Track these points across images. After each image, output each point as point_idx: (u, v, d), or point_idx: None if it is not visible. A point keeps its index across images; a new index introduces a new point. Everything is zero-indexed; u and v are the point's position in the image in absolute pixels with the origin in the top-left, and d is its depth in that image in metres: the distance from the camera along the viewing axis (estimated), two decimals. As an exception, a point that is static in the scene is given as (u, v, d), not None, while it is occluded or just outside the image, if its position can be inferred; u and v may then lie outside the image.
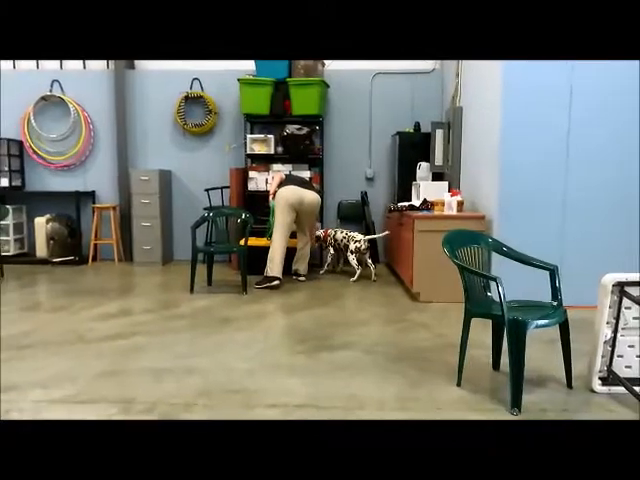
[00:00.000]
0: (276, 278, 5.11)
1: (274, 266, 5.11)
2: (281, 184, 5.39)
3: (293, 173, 6.05)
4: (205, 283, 5.20)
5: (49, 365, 3.09)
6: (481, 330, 3.15)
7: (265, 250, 5.27)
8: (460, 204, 4.68)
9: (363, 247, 5.52)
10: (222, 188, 6.52)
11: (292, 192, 5.23)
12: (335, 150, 6.68)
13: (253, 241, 5.53)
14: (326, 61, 6.42)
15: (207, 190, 6.50)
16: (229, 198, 6.39)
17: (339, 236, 5.71)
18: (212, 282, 5.24)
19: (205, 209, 6.19)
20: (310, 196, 5.35)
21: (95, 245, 6.65)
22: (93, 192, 6.79)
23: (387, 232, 5.93)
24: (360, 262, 5.54)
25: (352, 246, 5.52)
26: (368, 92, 6.65)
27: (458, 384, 2.72)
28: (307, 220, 5.47)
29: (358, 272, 5.48)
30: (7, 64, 6.76)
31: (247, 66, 6.30)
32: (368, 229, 6.31)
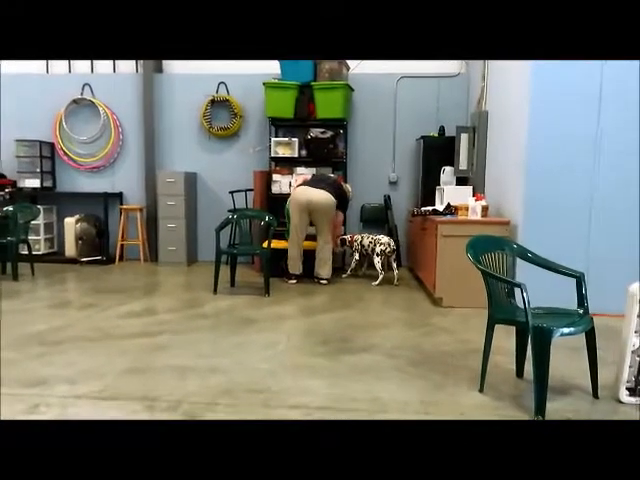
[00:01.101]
0: (291, 276, 5.41)
1: (289, 265, 5.46)
2: (299, 185, 5.46)
3: (321, 172, 6.12)
4: (228, 284, 5.25)
5: (77, 361, 3.17)
6: (505, 336, 3.11)
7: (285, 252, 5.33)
8: (485, 209, 4.64)
9: (388, 250, 5.51)
10: (246, 191, 6.58)
11: (301, 192, 5.33)
12: (359, 153, 6.69)
13: (276, 243, 5.57)
14: (351, 64, 6.44)
15: (231, 192, 6.57)
16: (253, 200, 6.45)
17: (366, 242, 5.68)
18: (235, 283, 5.29)
19: (229, 211, 6.26)
20: (318, 196, 5.30)
21: (122, 245, 6.79)
22: (121, 193, 6.94)
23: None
24: (384, 265, 5.52)
25: (377, 249, 5.51)
26: (393, 95, 6.64)
27: (481, 390, 2.70)
28: (320, 221, 5.41)
29: (381, 276, 5.46)
30: (40, 68, 6.97)
31: (272, 70, 6.35)
32: (391, 233, 6.29)
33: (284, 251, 5.57)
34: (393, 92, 6.64)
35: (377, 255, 5.50)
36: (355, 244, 5.78)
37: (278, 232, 5.54)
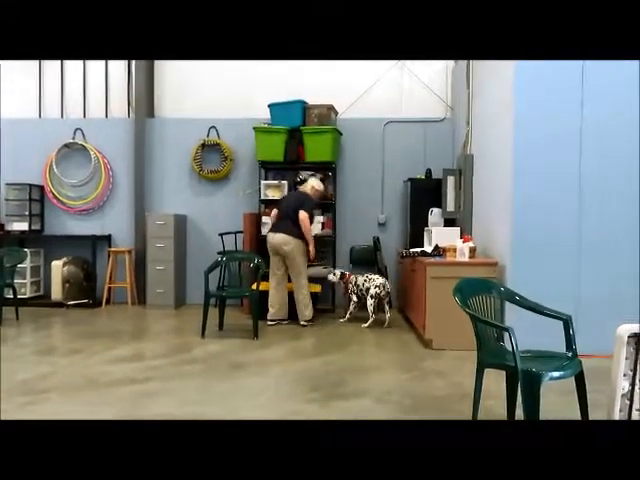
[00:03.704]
0: (271, 320, 5.46)
1: (269, 311, 5.50)
2: (271, 226, 5.72)
3: (289, 194, 6.14)
4: (217, 327, 5.20)
5: (62, 411, 3.09)
6: (496, 379, 3.10)
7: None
8: (472, 250, 4.70)
9: (383, 293, 5.45)
10: (236, 233, 6.61)
11: (269, 237, 5.52)
12: (348, 195, 6.79)
13: (265, 285, 5.56)
14: (339, 109, 6.62)
15: (221, 235, 6.59)
16: (242, 242, 6.47)
17: (360, 281, 5.57)
18: (223, 326, 5.25)
19: (219, 253, 6.26)
20: (280, 240, 5.36)
21: (109, 288, 6.73)
22: (109, 236, 6.92)
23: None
24: (375, 307, 5.46)
25: (372, 290, 5.41)
26: (380, 139, 6.80)
27: (473, 436, 2.66)
28: (289, 265, 5.43)
29: (372, 318, 5.42)
30: (33, 112, 7.07)
31: (262, 115, 6.50)
32: (381, 274, 6.31)
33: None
34: (380, 136, 6.80)
35: (371, 297, 5.41)
36: (351, 285, 5.65)
37: (267, 274, 5.54)
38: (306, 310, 5.45)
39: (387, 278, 6.20)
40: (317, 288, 5.91)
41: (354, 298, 5.63)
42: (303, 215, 5.38)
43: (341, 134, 6.63)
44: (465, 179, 5.63)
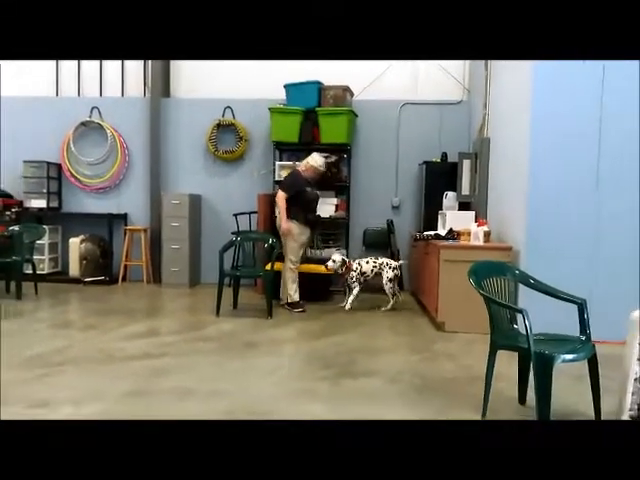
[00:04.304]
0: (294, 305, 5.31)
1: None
2: None
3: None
4: (231, 306, 5.26)
5: (79, 383, 3.17)
6: (507, 362, 3.11)
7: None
8: (487, 234, 4.67)
9: (398, 274, 5.38)
10: (250, 213, 6.64)
11: None
12: (362, 178, 6.76)
13: (279, 266, 5.58)
14: (355, 91, 6.56)
15: (235, 215, 6.62)
16: (257, 223, 6.50)
17: (367, 268, 5.31)
18: (238, 305, 5.30)
19: (233, 233, 6.30)
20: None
21: (125, 266, 6.82)
22: (125, 214, 7.00)
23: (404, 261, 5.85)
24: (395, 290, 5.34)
25: (390, 274, 5.27)
26: (396, 122, 6.75)
27: (483, 416, 2.68)
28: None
29: (392, 301, 5.34)
30: (50, 90, 7.11)
31: (278, 95, 6.47)
32: (393, 257, 6.32)
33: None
34: (396, 118, 6.74)
35: (390, 281, 5.27)
36: (354, 274, 5.28)
37: (282, 255, 5.55)
38: (289, 291, 5.24)
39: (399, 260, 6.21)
40: (320, 268, 5.54)
41: (356, 289, 5.29)
42: (278, 195, 5.30)
43: (356, 116, 6.58)
44: (481, 163, 5.57)
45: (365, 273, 5.28)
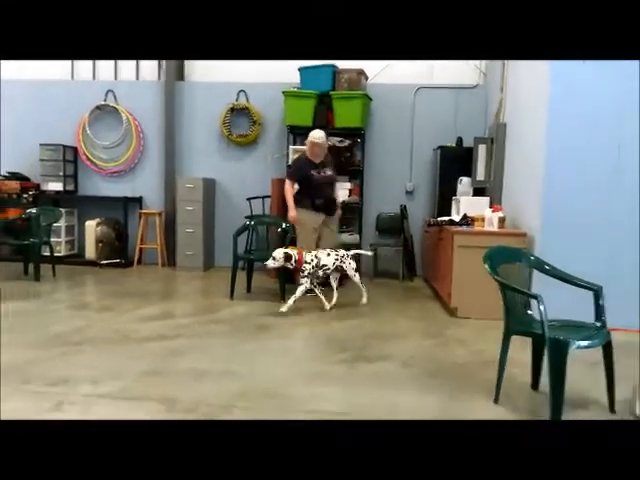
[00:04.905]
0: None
1: None
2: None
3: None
4: (244, 290, 5.30)
5: (97, 362, 3.24)
6: (520, 348, 3.11)
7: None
8: (501, 220, 4.64)
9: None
10: (263, 197, 6.65)
11: None
12: (376, 162, 6.73)
13: (292, 250, 5.59)
14: (370, 74, 6.49)
15: (249, 199, 6.64)
16: (270, 207, 6.51)
17: (327, 260, 4.64)
18: (251, 289, 5.34)
19: (247, 217, 6.32)
20: None
21: (140, 249, 6.89)
22: (140, 198, 7.05)
23: (370, 252, 5.60)
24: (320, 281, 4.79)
25: (354, 264, 4.80)
26: (410, 106, 6.68)
27: (496, 401, 2.70)
28: None
29: (364, 291, 4.90)
30: (65, 74, 7.13)
31: (292, 79, 6.43)
32: (406, 242, 6.31)
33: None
34: (411, 102, 6.68)
35: (356, 271, 4.82)
36: (307, 266, 4.52)
37: (295, 239, 5.57)
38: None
39: (412, 246, 6.20)
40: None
41: (306, 284, 4.55)
42: (285, 182, 5.26)
43: (371, 100, 6.53)
44: (497, 148, 5.51)
45: (325, 266, 4.64)
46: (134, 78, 7.10)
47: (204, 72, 7.00)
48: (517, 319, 2.69)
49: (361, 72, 6.31)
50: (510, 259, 2.86)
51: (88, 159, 7.09)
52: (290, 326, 4.24)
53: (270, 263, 4.47)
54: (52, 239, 6.20)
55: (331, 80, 6.31)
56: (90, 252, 6.75)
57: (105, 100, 7.02)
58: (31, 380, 2.88)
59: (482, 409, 2.65)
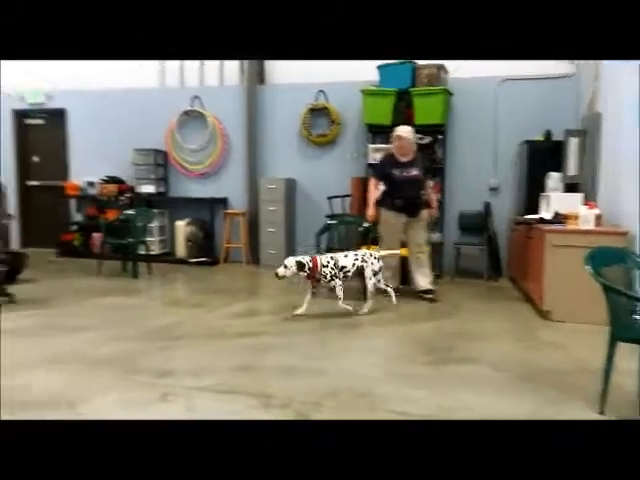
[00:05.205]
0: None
1: None
2: None
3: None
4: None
5: (194, 356, 3.43)
6: (625, 356, 2.93)
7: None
8: (598, 218, 4.38)
9: (382, 266, 4.61)
10: (344, 196, 6.70)
11: None
12: (457, 159, 6.56)
13: (374, 249, 5.59)
14: (450, 68, 6.34)
15: (329, 198, 6.72)
16: (349, 206, 6.55)
17: (346, 262, 4.42)
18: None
19: (327, 216, 6.40)
20: None
21: (226, 248, 7.19)
22: (225, 199, 7.35)
23: (396, 252, 5.00)
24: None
25: (376, 266, 4.49)
26: (494, 99, 6.45)
27: (601, 411, 2.56)
28: None
29: (392, 293, 4.63)
30: (155, 82, 7.55)
31: (369, 77, 6.42)
32: (490, 241, 6.11)
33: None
34: (494, 95, 6.44)
35: (375, 274, 4.49)
36: (326, 270, 4.32)
37: (376, 239, 5.55)
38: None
39: (497, 245, 6.00)
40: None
41: (339, 285, 4.36)
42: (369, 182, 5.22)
43: (452, 94, 6.37)
44: (591, 141, 5.19)
45: (344, 268, 4.42)
46: (218, 83, 7.39)
47: (283, 74, 7.15)
48: (623, 325, 2.54)
49: (441, 67, 6.18)
50: (614, 260, 2.70)
51: (177, 162, 7.49)
52: (375, 325, 4.26)
53: (280, 271, 4.21)
54: (147, 239, 6.61)
55: (411, 77, 6.23)
56: (180, 251, 7.14)
57: (192, 106, 7.37)
58: (138, 371, 3.10)
59: (586, 418, 2.52)
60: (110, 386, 2.88)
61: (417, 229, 5.12)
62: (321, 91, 6.94)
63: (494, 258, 6.17)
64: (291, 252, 7.00)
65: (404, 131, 5.08)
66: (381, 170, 5.19)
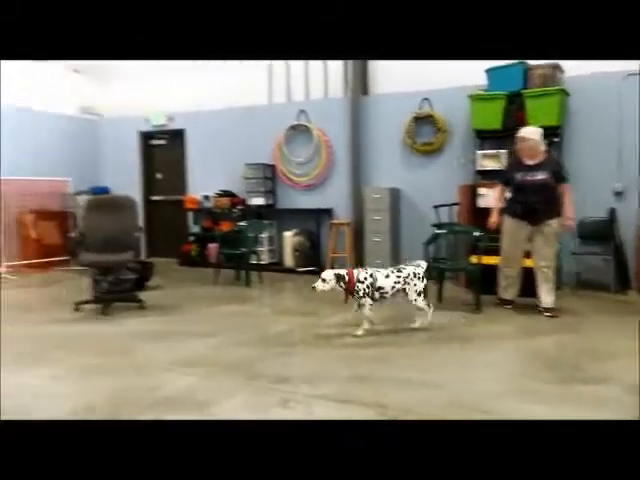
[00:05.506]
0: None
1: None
2: None
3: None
4: (435, 299, 5.27)
5: (309, 363, 3.54)
6: None
7: (495, 269, 5.08)
8: None
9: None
10: (451, 205, 6.54)
11: None
12: (576, 162, 6.12)
13: (486, 260, 5.37)
14: (566, 67, 5.97)
15: (436, 207, 6.60)
16: (457, 214, 6.38)
17: (386, 283, 4.14)
18: (442, 299, 5.29)
19: (434, 225, 6.29)
20: None
21: (332, 257, 7.33)
22: (330, 209, 7.50)
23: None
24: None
25: (420, 285, 4.21)
26: (617, 96, 5.95)
27: None
28: None
29: (429, 313, 4.32)
30: (263, 99, 7.92)
31: (475, 81, 6.23)
32: (617, 250, 5.63)
33: (493, 267, 5.27)
34: (618, 92, 5.95)
35: (419, 294, 4.22)
36: (361, 286, 4.08)
37: (489, 248, 5.31)
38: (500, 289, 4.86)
39: (625, 255, 5.51)
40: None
41: (367, 303, 4.12)
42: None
43: (568, 95, 5.99)
44: None
45: (382, 289, 4.14)
46: (323, 96, 7.59)
47: (387, 84, 7.16)
48: None
49: (556, 66, 5.84)
50: None
51: (284, 175, 7.79)
52: (491, 338, 4.10)
53: (319, 285, 4.06)
54: (258, 249, 6.93)
55: (522, 78, 5.96)
56: (288, 260, 7.40)
57: (298, 120, 7.64)
58: (257, 377, 3.26)
59: None
60: (234, 390, 3.05)
61: (542, 240, 4.74)
62: (425, 99, 6.86)
63: (621, 269, 5.67)
64: (397, 261, 6.98)
65: (527, 132, 4.89)
66: (505, 173, 5.03)
